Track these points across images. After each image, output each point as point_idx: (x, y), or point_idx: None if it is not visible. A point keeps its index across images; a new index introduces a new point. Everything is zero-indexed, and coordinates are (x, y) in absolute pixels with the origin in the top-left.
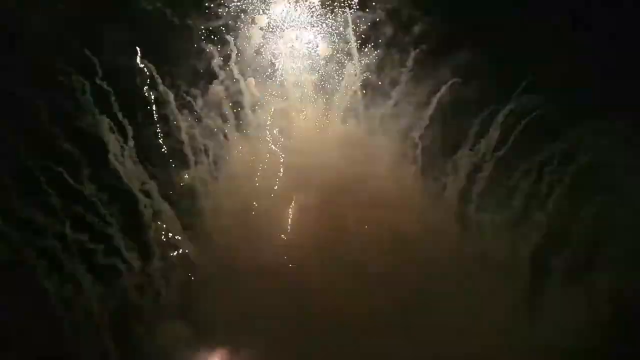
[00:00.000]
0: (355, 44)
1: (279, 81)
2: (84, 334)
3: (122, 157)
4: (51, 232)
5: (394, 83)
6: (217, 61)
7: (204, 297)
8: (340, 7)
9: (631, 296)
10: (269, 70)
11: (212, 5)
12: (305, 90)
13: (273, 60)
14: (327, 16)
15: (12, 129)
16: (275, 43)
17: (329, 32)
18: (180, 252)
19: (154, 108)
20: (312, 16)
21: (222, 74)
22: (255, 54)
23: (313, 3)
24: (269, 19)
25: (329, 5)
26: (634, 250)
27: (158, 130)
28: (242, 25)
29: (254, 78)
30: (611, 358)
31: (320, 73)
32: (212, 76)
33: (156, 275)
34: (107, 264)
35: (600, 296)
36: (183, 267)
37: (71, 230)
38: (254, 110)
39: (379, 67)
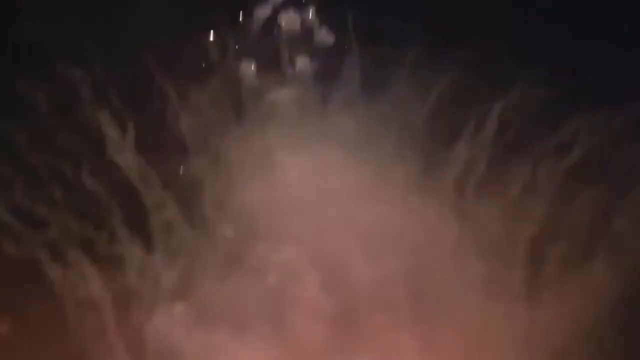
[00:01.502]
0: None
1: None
2: (86, 317)
3: (122, 148)
4: (54, 223)
5: (393, 76)
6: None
7: (206, 283)
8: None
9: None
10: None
11: None
12: (306, 84)
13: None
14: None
15: (12, 124)
16: (275, 29)
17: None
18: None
19: (153, 99)
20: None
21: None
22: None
23: None
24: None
25: None
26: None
27: (159, 120)
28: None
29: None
30: (612, 344)
31: (319, 63)
32: (213, 67)
33: (158, 262)
34: (110, 253)
35: (599, 284)
36: (185, 254)
37: (74, 222)
38: (254, 101)
39: (378, 61)
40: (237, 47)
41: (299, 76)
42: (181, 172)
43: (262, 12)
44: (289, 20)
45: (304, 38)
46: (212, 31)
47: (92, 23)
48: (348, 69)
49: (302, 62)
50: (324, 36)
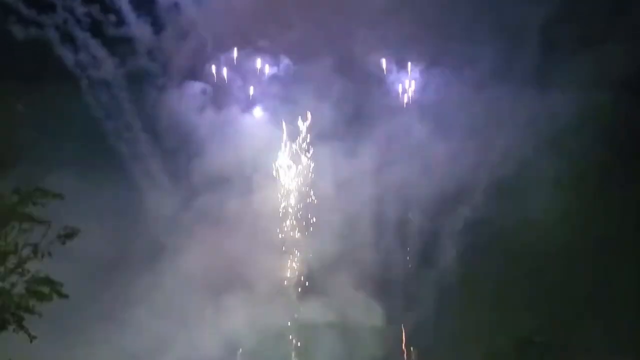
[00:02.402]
0: None
1: None
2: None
3: None
4: (59, 6)
5: None
6: None
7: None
8: None
9: None
10: None
11: None
12: None
13: None
14: None
15: None
16: None
17: None
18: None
19: None
20: None
21: None
22: None
23: None
24: None
25: None
26: None
27: None
28: None
29: None
30: (608, 133)
31: None
32: None
33: (167, 42)
34: (119, 35)
35: (610, 70)
36: (194, 34)
37: (80, 3)
38: None
39: None
40: None
41: None
42: None
43: None
44: None
45: None
46: None
47: None
48: None
49: None
50: None
